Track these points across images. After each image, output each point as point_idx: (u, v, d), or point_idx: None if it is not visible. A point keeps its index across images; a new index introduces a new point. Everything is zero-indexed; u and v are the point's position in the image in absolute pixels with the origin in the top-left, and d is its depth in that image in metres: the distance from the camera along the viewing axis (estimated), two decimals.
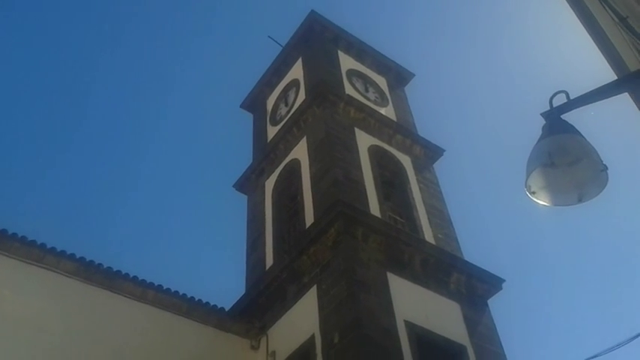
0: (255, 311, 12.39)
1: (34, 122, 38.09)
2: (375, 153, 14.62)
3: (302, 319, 11.13)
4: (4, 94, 36.52)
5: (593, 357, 6.70)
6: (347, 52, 18.27)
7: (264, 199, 15.41)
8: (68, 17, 40.97)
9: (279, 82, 18.62)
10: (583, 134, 3.48)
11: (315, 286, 11.21)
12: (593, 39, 5.18)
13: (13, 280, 10.17)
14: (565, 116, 3.55)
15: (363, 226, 11.44)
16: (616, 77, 4.59)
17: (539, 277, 34.85)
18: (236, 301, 12.97)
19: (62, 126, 39.30)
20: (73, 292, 10.66)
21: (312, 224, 12.17)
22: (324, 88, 15.39)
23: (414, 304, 11.00)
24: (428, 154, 16.01)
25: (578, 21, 5.43)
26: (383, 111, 16.51)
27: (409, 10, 43.13)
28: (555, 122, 3.53)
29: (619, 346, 6.04)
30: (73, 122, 39.11)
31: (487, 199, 36.96)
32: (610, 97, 3.51)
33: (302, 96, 16.47)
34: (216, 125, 43.05)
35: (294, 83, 17.58)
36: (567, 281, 34.38)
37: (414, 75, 19.38)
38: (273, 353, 11.39)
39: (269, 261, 13.61)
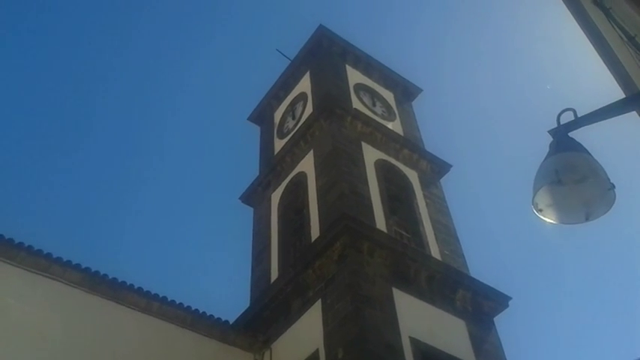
0: (260, 325, 12.34)
1: (41, 133, 38.37)
2: (382, 167, 14.62)
3: (306, 333, 11.07)
4: (8, 104, 36.82)
5: None
6: (355, 66, 18.35)
7: (270, 212, 15.41)
8: (76, 25, 41.39)
9: (286, 96, 18.70)
10: (590, 152, 3.47)
11: (319, 301, 11.16)
12: (601, 57, 5.18)
13: (19, 290, 10.18)
14: (572, 134, 3.54)
15: (368, 240, 11.40)
16: (624, 95, 4.58)
17: (546, 295, 34.57)
18: (240, 314, 12.93)
19: (70, 136, 39.59)
20: (77, 302, 10.65)
21: (317, 238, 12.15)
22: (331, 101, 15.44)
23: (420, 320, 10.93)
24: (435, 169, 16.00)
25: (587, 39, 5.43)
26: (390, 125, 16.53)
27: (417, 26, 43.34)
28: (563, 140, 3.52)
29: None
30: (82, 131, 39.38)
31: (494, 216, 36.83)
32: (618, 115, 3.50)
33: (309, 109, 16.52)
34: (223, 138, 43.25)
35: (302, 97, 17.65)
36: (574, 299, 34.11)
37: (421, 90, 19.44)
38: None
39: (274, 274, 13.58)
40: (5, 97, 37.26)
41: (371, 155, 14.68)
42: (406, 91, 19.08)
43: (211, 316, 12.18)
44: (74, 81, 40.18)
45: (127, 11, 42.42)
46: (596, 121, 3.49)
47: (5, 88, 37.22)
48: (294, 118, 17.40)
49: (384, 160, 14.91)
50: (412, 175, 15.19)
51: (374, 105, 17.28)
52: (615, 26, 5.05)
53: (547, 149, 3.55)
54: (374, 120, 15.97)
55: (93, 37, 41.62)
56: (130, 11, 43.05)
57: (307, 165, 14.85)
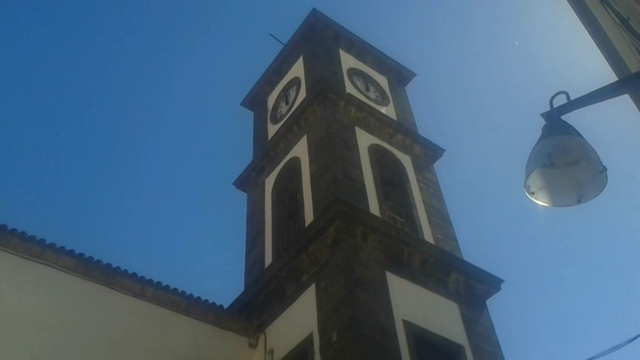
0: (254, 309, 12.40)
1: (35, 118, 38.10)
2: (376, 152, 14.62)
3: (300, 317, 11.14)
4: (4, 90, 36.50)
5: (591, 358, 6.70)
6: (348, 50, 18.26)
7: (263, 197, 15.41)
8: (68, 10, 40.96)
9: (280, 80, 18.62)
10: (583, 135, 3.47)
11: (313, 285, 11.21)
12: (594, 40, 5.18)
13: (12, 276, 10.17)
14: (565, 117, 3.55)
15: (362, 225, 11.44)
16: (617, 78, 4.58)
17: (538, 278, 34.87)
18: (234, 298, 12.98)
19: (62, 122, 39.33)
20: (72, 288, 10.66)
21: (311, 223, 12.17)
22: (324, 86, 15.38)
23: (413, 303, 11.01)
24: (428, 153, 16.01)
25: (580, 22, 5.42)
26: (383, 110, 16.51)
27: (411, 10, 43.12)
28: (555, 123, 3.53)
29: (617, 347, 6.04)
30: (74, 118, 39.13)
31: (486, 199, 36.97)
32: (610, 98, 3.50)
33: (303, 94, 16.46)
34: (216, 123, 43.08)
35: (295, 81, 17.57)
36: (566, 282, 34.41)
37: (415, 74, 19.39)
38: (271, 351, 11.39)
39: (268, 259, 13.61)
40: None
41: (364, 140, 14.67)
42: (400, 76, 19.03)
43: (206, 300, 12.23)
44: (68, 66, 39.84)
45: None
46: (589, 104, 3.49)
47: None
48: (287, 103, 17.34)
49: (377, 145, 14.91)
50: (406, 160, 15.20)
51: (367, 90, 17.23)
52: (608, 9, 5.04)
53: (540, 132, 3.56)
54: (367, 105, 15.94)
55: (87, 25, 41.22)
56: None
57: (301, 150, 14.83)
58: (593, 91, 3.47)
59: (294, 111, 15.96)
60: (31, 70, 38.85)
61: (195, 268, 35.08)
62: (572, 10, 5.51)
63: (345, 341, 9.66)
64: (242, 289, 13.40)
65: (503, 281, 12.67)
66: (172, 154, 40.67)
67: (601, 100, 3.48)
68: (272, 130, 17.08)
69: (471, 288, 12.26)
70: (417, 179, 14.79)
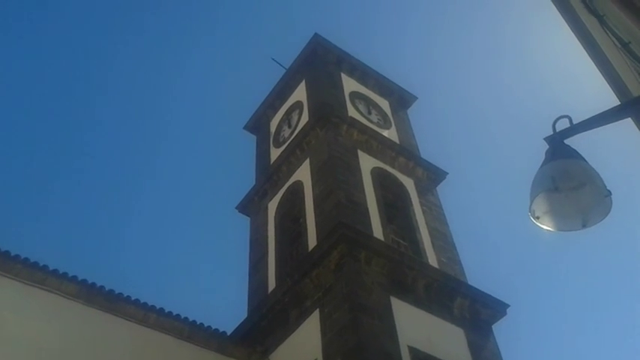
0: (257, 335, 12.28)
1: (37, 146, 38.30)
2: (378, 175, 14.62)
3: (304, 343, 11.02)
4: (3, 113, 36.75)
5: None
6: (350, 74, 18.39)
7: (266, 221, 15.38)
8: (73, 32, 41.43)
9: (282, 104, 18.73)
10: (586, 159, 3.47)
11: (317, 310, 11.11)
12: (595, 64, 5.20)
13: (15, 302, 10.12)
14: (568, 141, 3.55)
15: (365, 249, 11.38)
16: (619, 102, 4.59)
17: (544, 302, 34.55)
18: (238, 324, 12.87)
19: (65, 148, 39.51)
20: (74, 314, 10.60)
21: (314, 247, 12.11)
22: (327, 110, 15.46)
23: (418, 328, 10.89)
24: (431, 176, 16.00)
25: (581, 46, 5.45)
26: (386, 133, 16.56)
27: (412, 34, 43.52)
28: (558, 147, 3.52)
29: None
30: (77, 144, 39.33)
31: (491, 223, 36.86)
32: (613, 122, 3.50)
33: (305, 118, 16.54)
34: (219, 147, 43.24)
35: (298, 105, 17.67)
36: (572, 306, 34.08)
37: (416, 98, 19.49)
38: None
39: (271, 284, 13.53)
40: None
41: (367, 163, 14.68)
42: (401, 99, 19.12)
43: (209, 327, 12.12)
44: (68, 96, 40.15)
45: (124, 20, 42.53)
46: (592, 128, 3.49)
47: None
48: (290, 127, 17.42)
49: (380, 168, 14.91)
50: (408, 183, 15.19)
51: (369, 113, 17.31)
52: (609, 33, 5.07)
53: (543, 156, 3.55)
54: (370, 128, 15.99)
55: (88, 46, 41.66)
56: (127, 20, 43.14)
57: (303, 174, 14.84)
58: (596, 115, 3.48)
59: (297, 135, 16.02)
60: (31, 97, 39.14)
61: (198, 293, 34.90)
62: (573, 34, 5.55)
63: None
64: (245, 315, 13.30)
65: (509, 306, 12.55)
66: (175, 178, 40.78)
67: (603, 124, 3.48)
68: (275, 153, 17.13)
69: (477, 313, 12.14)
70: (420, 202, 14.76)
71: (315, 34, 18.49)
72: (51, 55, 40.46)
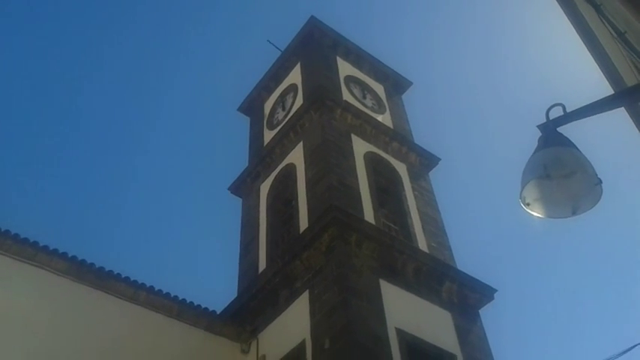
0: (247, 315, 12.36)
1: (30, 121, 38.01)
2: (371, 160, 14.64)
3: (293, 323, 11.11)
4: None
5: None
6: (345, 58, 18.32)
7: (258, 202, 15.40)
8: (67, 15, 40.95)
9: (277, 87, 18.65)
10: (579, 147, 3.49)
11: (307, 292, 11.19)
12: (591, 53, 5.21)
13: (4, 277, 10.13)
14: (561, 129, 3.56)
15: (356, 232, 11.44)
16: (613, 91, 4.62)
17: (531, 288, 34.92)
18: (227, 304, 12.94)
19: (58, 126, 39.22)
20: (64, 291, 10.62)
21: (305, 229, 12.17)
22: (321, 93, 15.42)
23: (406, 311, 11.00)
24: (423, 162, 16.05)
25: (577, 35, 5.46)
26: (380, 118, 16.55)
27: (408, 19, 43.32)
28: (551, 135, 3.54)
29: (611, 358, 6.05)
30: (69, 122, 39.04)
31: (481, 209, 37.06)
32: (606, 111, 3.52)
33: (299, 101, 16.49)
34: (212, 128, 43.09)
35: (292, 88, 17.61)
36: (560, 293, 34.47)
37: (411, 83, 19.46)
38: (264, 357, 11.36)
39: (262, 265, 13.59)
40: None
41: (360, 148, 14.70)
42: (396, 84, 19.09)
43: (198, 306, 12.20)
44: (63, 71, 39.77)
45: (118, 2, 42.01)
46: (585, 117, 3.51)
47: None
48: (284, 110, 17.37)
49: (373, 153, 14.93)
50: (401, 168, 15.23)
51: (364, 97, 17.28)
52: (605, 22, 5.08)
53: (536, 144, 3.57)
54: (364, 112, 15.98)
55: (84, 29, 41.20)
56: (122, 1, 42.64)
57: (297, 156, 14.84)
58: (590, 104, 3.49)
59: (291, 117, 15.98)
60: (25, 70, 38.78)
61: (189, 272, 34.97)
62: (569, 22, 5.55)
63: (338, 348, 9.64)
64: (235, 295, 13.37)
65: (497, 291, 12.69)
66: (168, 158, 40.63)
67: (597, 113, 3.50)
68: (268, 136, 17.10)
69: (465, 297, 12.27)
70: (412, 187, 14.82)
71: (312, 16, 18.37)
72: (48, 31, 39.98)
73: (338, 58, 18.07)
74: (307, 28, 18.30)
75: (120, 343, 10.56)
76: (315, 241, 11.44)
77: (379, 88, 18.34)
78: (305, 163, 14.25)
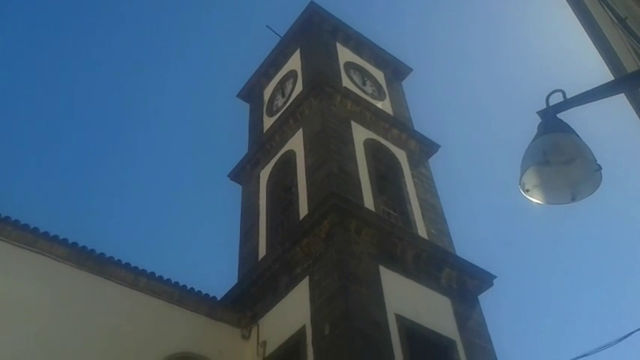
0: (247, 301, 12.42)
1: (30, 106, 37.90)
2: (371, 146, 14.63)
3: (293, 310, 11.17)
4: None
5: (582, 356, 6.75)
6: (345, 44, 18.24)
7: (258, 189, 15.41)
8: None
9: (276, 73, 18.58)
10: (578, 134, 3.49)
11: (307, 278, 11.24)
12: (591, 39, 5.19)
13: (5, 264, 10.14)
14: (561, 115, 3.56)
15: (356, 219, 11.46)
16: (613, 78, 4.60)
17: (530, 275, 35.05)
18: (228, 290, 13.00)
19: (58, 112, 39.12)
20: (64, 277, 10.64)
21: (305, 216, 12.19)
22: (321, 80, 15.36)
23: (405, 297, 11.06)
24: (423, 149, 16.04)
25: (577, 21, 5.43)
26: (380, 105, 16.51)
27: (408, 5, 43.06)
28: (551, 121, 3.54)
29: (609, 345, 6.10)
30: (68, 109, 38.90)
31: (481, 196, 37.09)
32: (606, 97, 3.51)
33: (299, 87, 16.44)
34: (212, 114, 42.99)
35: (292, 74, 17.54)
36: (559, 279, 34.61)
37: (411, 70, 19.38)
38: (264, 343, 11.43)
39: (262, 251, 13.63)
40: None
41: (360, 134, 14.68)
42: (396, 71, 19.02)
43: (199, 292, 12.24)
44: (63, 54, 39.60)
45: None
46: (585, 103, 3.50)
47: None
48: (283, 96, 17.32)
49: (373, 140, 14.92)
50: (401, 155, 15.23)
51: (364, 84, 17.22)
52: (606, 8, 5.06)
53: (536, 130, 3.57)
54: (364, 99, 15.93)
55: (83, 15, 40.94)
56: None
57: (296, 143, 14.82)
58: (590, 90, 3.48)
59: (291, 104, 15.94)
60: (25, 60, 38.60)
61: (189, 259, 35.09)
62: (570, 8, 5.52)
63: (338, 334, 9.70)
64: (235, 281, 13.43)
65: (496, 277, 12.75)
66: (167, 144, 40.58)
67: (597, 99, 3.49)
68: (268, 122, 17.06)
69: (464, 283, 12.33)
70: (411, 174, 14.83)
71: (311, 2, 18.25)
72: (47, 21, 39.74)
73: (338, 44, 17.98)
74: (307, 13, 18.19)
75: (120, 328, 10.61)
76: (315, 227, 11.47)
77: (379, 75, 18.27)
78: (305, 149, 14.24)
